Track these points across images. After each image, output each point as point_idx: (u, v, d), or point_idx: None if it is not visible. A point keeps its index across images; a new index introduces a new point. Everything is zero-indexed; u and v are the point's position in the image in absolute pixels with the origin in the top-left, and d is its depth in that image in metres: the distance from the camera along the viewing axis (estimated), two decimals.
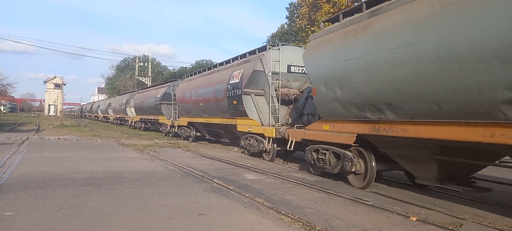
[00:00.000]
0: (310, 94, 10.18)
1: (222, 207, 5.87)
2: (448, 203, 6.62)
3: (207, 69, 18.08)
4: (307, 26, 26.44)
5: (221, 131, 16.48)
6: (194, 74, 19.78)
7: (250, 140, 12.88)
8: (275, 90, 12.00)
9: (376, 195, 7.14)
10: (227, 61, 15.55)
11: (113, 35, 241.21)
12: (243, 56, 14.20)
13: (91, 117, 62.55)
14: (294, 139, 10.21)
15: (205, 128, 18.22)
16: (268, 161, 11.96)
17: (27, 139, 17.87)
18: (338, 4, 21.89)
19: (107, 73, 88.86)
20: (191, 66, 57.09)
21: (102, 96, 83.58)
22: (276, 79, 11.99)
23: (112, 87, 76.38)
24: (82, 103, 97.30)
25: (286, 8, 43.00)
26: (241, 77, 12.71)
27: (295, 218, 5.29)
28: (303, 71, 11.86)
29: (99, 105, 52.67)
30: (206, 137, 19.74)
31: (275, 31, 44.72)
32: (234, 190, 7.13)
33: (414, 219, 5.45)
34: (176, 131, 21.54)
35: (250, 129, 12.62)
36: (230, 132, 15.25)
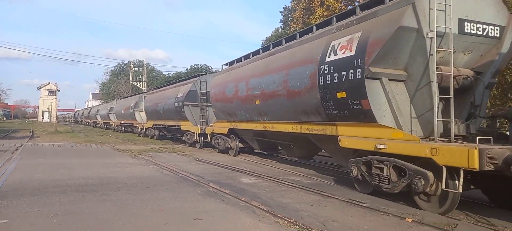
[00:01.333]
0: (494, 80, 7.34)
1: (218, 211, 5.86)
2: None
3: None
4: (301, 30, 26.50)
5: (292, 144, 11.42)
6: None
7: (379, 168, 6.79)
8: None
9: (372, 197, 7.16)
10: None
11: (108, 41, 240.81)
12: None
13: (89, 123, 57.87)
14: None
15: (258, 137, 13.19)
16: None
17: (21, 145, 17.73)
18: (332, 7, 22.00)
19: (101, 79, 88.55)
20: (186, 71, 56.99)
21: (96, 102, 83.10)
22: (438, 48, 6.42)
23: (107, 92, 76.07)
24: (76, 109, 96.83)
25: (280, 12, 43.09)
26: (356, 47, 7.15)
27: (291, 221, 5.30)
28: (484, 33, 6.78)
29: (98, 110, 48.58)
30: (256, 150, 14.78)
31: (270, 35, 44.82)
32: (230, 194, 7.12)
33: (410, 220, 5.48)
34: (208, 140, 16.75)
35: (382, 146, 6.68)
36: (312, 145, 10.04)
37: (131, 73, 52.82)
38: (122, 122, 34.19)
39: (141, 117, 32.36)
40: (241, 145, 14.46)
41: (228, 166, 11.38)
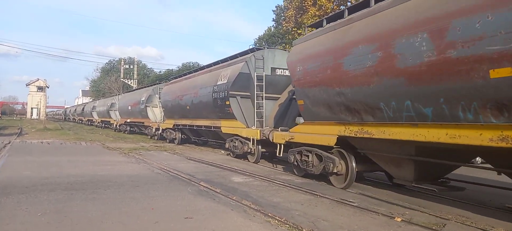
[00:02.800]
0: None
1: (208, 210, 5.85)
2: (432, 203, 6.74)
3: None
4: (293, 29, 26.59)
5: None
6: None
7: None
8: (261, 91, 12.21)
9: (362, 196, 7.22)
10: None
11: (99, 37, 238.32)
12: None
13: (82, 121, 55.60)
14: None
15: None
16: (253, 162, 12.23)
17: (9, 143, 17.47)
18: (324, 7, 22.09)
19: (91, 76, 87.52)
20: (177, 69, 56.74)
21: (87, 99, 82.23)
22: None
23: (97, 90, 75.34)
24: (66, 106, 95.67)
25: (273, 10, 43.11)
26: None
27: (282, 220, 5.31)
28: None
29: (94, 107, 44.36)
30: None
31: (262, 34, 44.83)
32: (221, 193, 7.11)
33: (399, 219, 5.53)
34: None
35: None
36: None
37: (122, 71, 52.41)
38: (128, 120, 28.86)
39: (115, 115, 32.97)
40: (183, 136, 19.54)
41: (219, 165, 11.36)
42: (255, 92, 12.21)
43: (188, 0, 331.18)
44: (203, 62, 73.73)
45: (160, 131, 21.46)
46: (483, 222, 5.49)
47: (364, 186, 8.33)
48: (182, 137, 19.35)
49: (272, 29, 43.42)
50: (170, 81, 21.52)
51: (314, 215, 5.72)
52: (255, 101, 12.26)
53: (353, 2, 20.91)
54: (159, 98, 21.91)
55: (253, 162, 12.18)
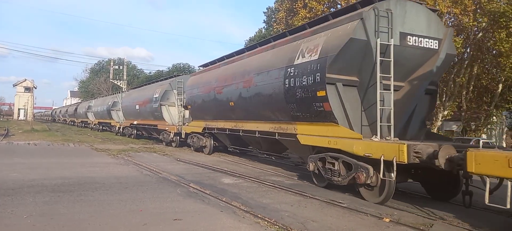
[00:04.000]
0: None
1: (198, 212, 5.82)
2: (419, 204, 6.81)
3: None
4: (283, 30, 26.64)
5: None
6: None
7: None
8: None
9: (351, 197, 7.26)
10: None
11: (88, 38, 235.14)
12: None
13: (75, 122, 49.77)
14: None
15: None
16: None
17: None
18: (315, 9, 22.20)
19: (80, 77, 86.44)
20: (168, 70, 56.37)
21: (75, 100, 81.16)
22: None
23: (86, 90, 74.48)
24: (54, 107, 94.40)
25: (264, 12, 43.12)
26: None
27: (271, 221, 5.32)
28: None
29: (90, 107, 37.97)
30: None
31: (253, 35, 44.87)
32: (210, 195, 7.09)
33: (387, 220, 5.58)
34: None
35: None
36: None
37: (111, 71, 51.82)
38: (135, 122, 23.27)
39: (118, 116, 29.90)
40: (216, 144, 15.04)
41: (209, 166, 11.32)
42: (378, 75, 7.20)
43: (178, 2, 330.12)
44: (194, 63, 73.46)
45: (182, 136, 17.39)
46: (469, 223, 5.57)
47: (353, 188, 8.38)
48: (215, 144, 15.00)
49: (263, 31, 43.48)
50: (201, 70, 16.27)
51: (304, 216, 5.74)
52: (378, 90, 7.24)
53: (343, 5, 21.07)
54: (178, 95, 18.12)
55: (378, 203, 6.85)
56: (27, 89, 76.75)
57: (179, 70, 46.60)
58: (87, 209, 5.78)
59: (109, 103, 30.14)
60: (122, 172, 9.88)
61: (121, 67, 52.57)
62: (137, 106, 22.44)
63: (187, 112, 17.18)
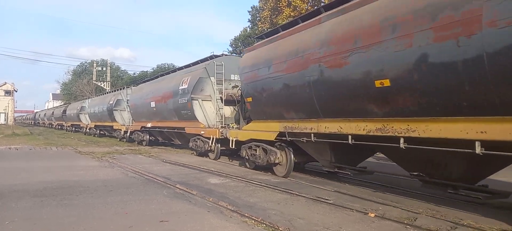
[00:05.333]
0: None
1: (184, 212, 5.79)
2: (404, 198, 6.92)
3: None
4: (268, 29, 26.70)
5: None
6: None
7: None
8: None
9: (337, 193, 7.34)
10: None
11: (69, 39, 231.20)
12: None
13: (52, 125, 52.01)
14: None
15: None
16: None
17: None
18: (299, 8, 22.33)
19: (62, 79, 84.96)
20: (152, 70, 55.88)
21: (57, 103, 79.69)
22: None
23: (68, 93, 73.20)
24: (36, 110, 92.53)
25: (249, 11, 43.16)
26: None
27: (258, 220, 5.32)
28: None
29: (82, 108, 34.80)
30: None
31: (238, 35, 44.80)
32: (197, 195, 7.06)
33: (373, 215, 5.66)
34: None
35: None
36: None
37: (94, 73, 51.10)
38: (149, 124, 19.37)
39: (86, 118, 31.61)
40: (151, 138, 20.41)
41: (196, 167, 11.27)
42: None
43: (162, 1, 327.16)
44: (179, 63, 72.88)
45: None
46: (452, 215, 5.69)
47: (339, 184, 8.47)
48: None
49: (248, 30, 43.46)
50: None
51: (290, 213, 5.77)
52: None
53: (326, 1, 21.23)
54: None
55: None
56: (7, 92, 74.95)
57: (163, 70, 46.08)
58: (71, 213, 5.69)
59: (111, 102, 25.46)
60: (107, 174, 9.75)
61: (104, 69, 51.87)
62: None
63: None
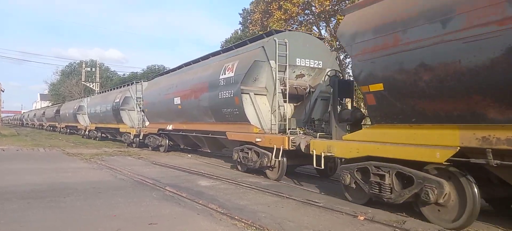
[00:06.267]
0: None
1: (174, 215, 5.76)
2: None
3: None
4: (259, 32, 26.74)
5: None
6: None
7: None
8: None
9: (327, 197, 7.37)
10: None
11: (58, 39, 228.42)
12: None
13: (43, 126, 47.90)
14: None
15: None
16: (275, 179, 9.31)
17: None
18: (289, 11, 22.41)
19: (51, 79, 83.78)
20: (142, 72, 55.46)
21: (45, 104, 78.55)
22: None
23: (57, 93, 72.22)
24: (23, 111, 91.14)
25: (239, 14, 43.21)
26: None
27: (248, 223, 5.32)
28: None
29: (80, 107, 30.35)
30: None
31: (229, 37, 44.80)
32: (187, 197, 7.02)
33: (362, 218, 5.70)
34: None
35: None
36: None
37: (83, 74, 50.44)
38: (67, 124, 20.64)
39: (84, 119, 27.26)
40: (171, 143, 16.80)
41: (186, 169, 11.21)
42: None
43: (152, 3, 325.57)
44: (170, 64, 72.35)
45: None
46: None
47: (330, 185, 8.51)
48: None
49: (239, 32, 43.51)
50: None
51: (280, 216, 5.77)
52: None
53: (316, 6, 21.36)
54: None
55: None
56: None
57: (154, 72, 45.82)
58: (58, 215, 5.61)
59: (117, 101, 21.35)
60: (96, 176, 9.65)
61: (93, 69, 51.29)
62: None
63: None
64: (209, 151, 15.24)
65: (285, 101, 9.66)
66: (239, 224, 5.27)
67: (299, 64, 10.01)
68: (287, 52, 9.64)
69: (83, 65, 52.56)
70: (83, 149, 18.45)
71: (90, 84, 49.65)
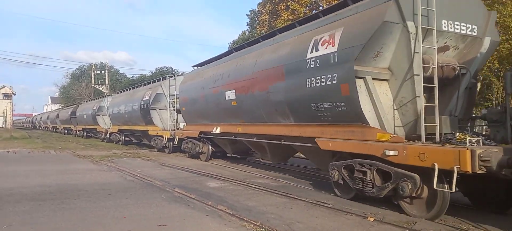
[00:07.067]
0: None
1: (183, 216, 5.77)
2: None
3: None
4: (267, 33, 26.72)
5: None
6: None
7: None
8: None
9: (336, 198, 7.31)
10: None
11: (67, 42, 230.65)
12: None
13: (57, 129, 45.71)
14: None
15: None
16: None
17: None
18: (297, 11, 22.37)
19: (61, 82, 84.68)
20: (151, 73, 55.84)
21: (56, 106, 79.43)
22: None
23: (67, 96, 73.07)
24: (34, 114, 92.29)
25: (247, 15, 43.26)
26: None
27: (257, 224, 5.30)
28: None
29: (100, 108, 27.81)
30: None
31: (237, 38, 44.87)
32: (196, 199, 7.03)
33: (372, 219, 5.64)
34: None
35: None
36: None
37: (93, 76, 50.97)
38: (84, 127, 19.62)
39: (104, 121, 25.11)
40: (214, 149, 13.45)
41: (195, 171, 11.23)
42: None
43: (160, 5, 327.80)
44: (178, 67, 72.68)
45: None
46: (451, 220, 5.68)
47: None
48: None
49: (247, 33, 43.53)
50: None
51: (289, 217, 5.75)
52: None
53: (324, 6, 21.28)
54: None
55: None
56: (6, 96, 74.75)
57: (163, 74, 46.07)
58: (69, 217, 5.66)
59: (146, 99, 18.18)
60: (105, 178, 9.72)
61: (102, 72, 51.78)
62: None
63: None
64: (270, 162, 11.35)
65: (425, 91, 6.20)
66: (248, 226, 5.25)
67: (445, 29, 6.44)
68: (435, 8, 6.14)
69: (93, 68, 53.13)
70: (93, 151, 18.62)
71: (99, 87, 50.12)
